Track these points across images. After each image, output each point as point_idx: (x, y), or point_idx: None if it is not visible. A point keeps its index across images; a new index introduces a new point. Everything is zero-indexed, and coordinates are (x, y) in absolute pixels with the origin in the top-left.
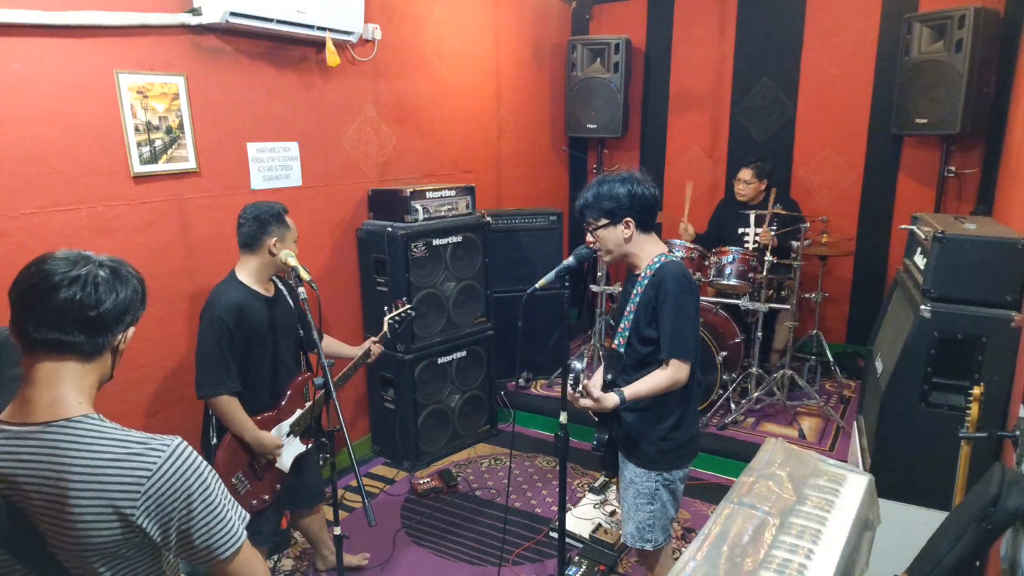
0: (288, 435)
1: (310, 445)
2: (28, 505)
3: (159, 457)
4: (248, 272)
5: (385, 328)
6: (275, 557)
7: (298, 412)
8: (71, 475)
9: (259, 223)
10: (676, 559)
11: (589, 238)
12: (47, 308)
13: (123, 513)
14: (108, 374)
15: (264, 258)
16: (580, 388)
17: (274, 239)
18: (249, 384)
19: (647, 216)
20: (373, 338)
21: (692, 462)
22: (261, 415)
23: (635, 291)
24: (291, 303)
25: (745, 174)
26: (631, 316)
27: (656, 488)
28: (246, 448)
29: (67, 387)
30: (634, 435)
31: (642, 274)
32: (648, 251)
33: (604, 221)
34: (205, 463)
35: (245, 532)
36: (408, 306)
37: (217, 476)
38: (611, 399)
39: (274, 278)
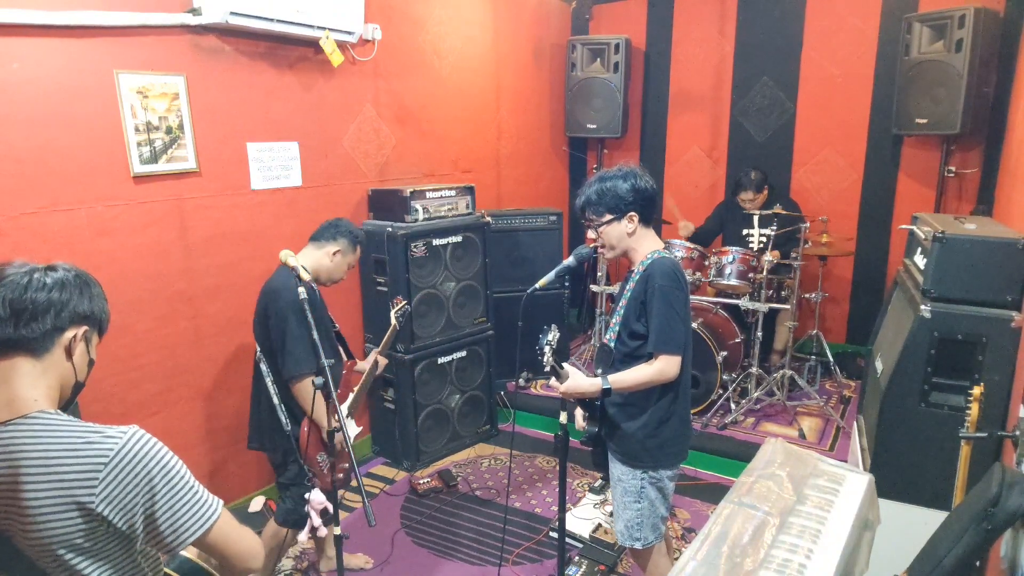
0: (348, 415)
1: (360, 428)
2: None
3: (116, 444)
4: (305, 265)
5: (394, 322)
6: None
7: (351, 395)
8: (26, 470)
9: (335, 229)
10: (676, 559)
11: (591, 235)
12: None
13: (81, 503)
14: (72, 377)
15: (322, 259)
16: (547, 360)
17: (337, 249)
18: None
19: (649, 209)
20: (376, 349)
21: (681, 462)
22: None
23: (628, 287)
24: (323, 301)
25: (747, 195)
26: (622, 311)
27: (642, 486)
28: (322, 430)
29: (21, 385)
30: (617, 430)
31: (635, 270)
32: (645, 247)
33: (609, 217)
34: (165, 448)
35: (219, 511)
36: (405, 303)
37: (180, 460)
38: (591, 382)
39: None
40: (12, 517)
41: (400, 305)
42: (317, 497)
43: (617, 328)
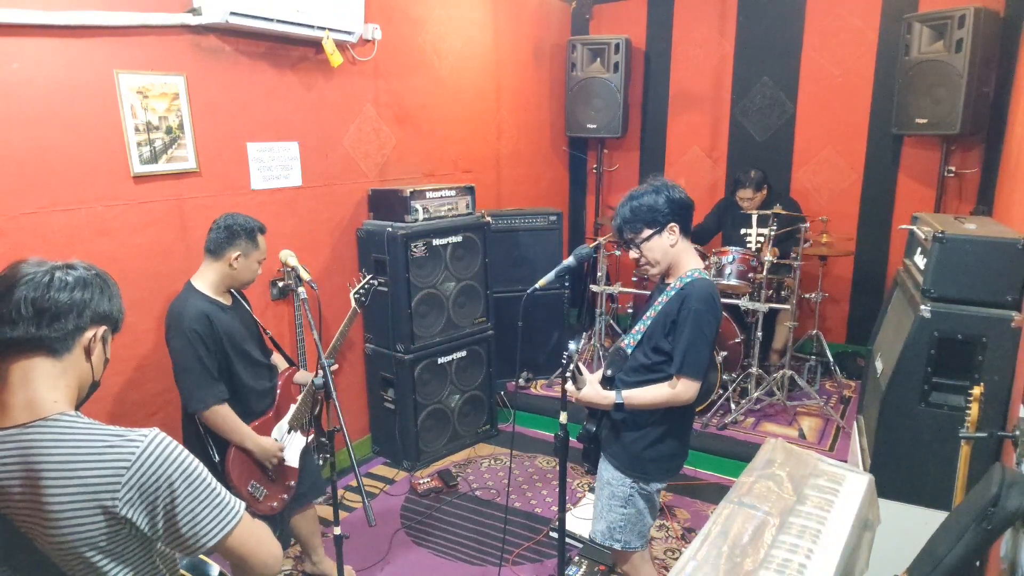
0: (289, 431)
1: (311, 437)
2: (11, 509)
3: (137, 447)
4: (207, 282)
5: (353, 304)
6: None
7: (293, 407)
8: (48, 473)
9: (228, 233)
10: (676, 559)
11: (633, 255)
12: (2, 308)
13: (105, 506)
14: (89, 377)
15: (225, 268)
16: (572, 368)
17: (237, 253)
18: (234, 391)
19: (687, 219)
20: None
21: (672, 477)
22: (259, 419)
23: (660, 299)
24: (248, 308)
25: (746, 193)
26: (648, 322)
27: (631, 494)
28: (251, 455)
29: (40, 386)
30: (616, 435)
31: (671, 284)
32: (686, 262)
33: (648, 232)
34: (186, 451)
35: (241, 513)
36: (368, 277)
37: (200, 463)
38: (607, 397)
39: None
40: (35, 520)
41: (362, 281)
42: None
43: (639, 336)
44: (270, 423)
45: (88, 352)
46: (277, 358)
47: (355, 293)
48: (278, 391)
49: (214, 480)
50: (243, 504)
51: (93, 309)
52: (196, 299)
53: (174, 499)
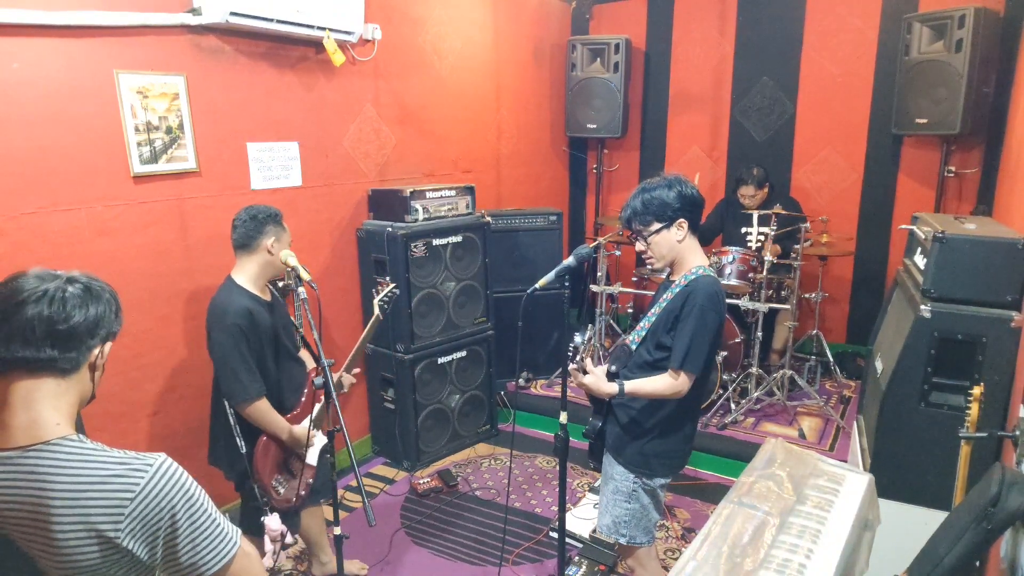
0: (312, 429)
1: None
2: (12, 531)
3: (142, 477)
4: (248, 276)
5: (377, 311)
6: (275, 557)
7: (317, 406)
8: (52, 501)
9: (256, 222)
10: (676, 559)
11: (639, 247)
12: (14, 325)
13: (106, 536)
14: (90, 391)
15: (263, 258)
16: (579, 359)
17: (271, 239)
18: (269, 387)
19: (697, 216)
20: (344, 373)
21: (676, 473)
22: (288, 415)
23: (665, 296)
24: (283, 304)
25: (748, 190)
26: (653, 318)
27: (634, 489)
28: (279, 448)
29: (44, 407)
30: (622, 432)
31: (676, 281)
32: (691, 260)
33: (657, 225)
34: (190, 479)
35: (238, 543)
36: (392, 285)
37: (203, 491)
38: (610, 386)
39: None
40: (37, 544)
41: (386, 289)
42: (273, 524)
43: (644, 333)
44: (297, 420)
45: (93, 369)
46: (304, 354)
47: (379, 300)
48: (306, 389)
49: (213, 508)
50: (239, 532)
51: (107, 328)
52: (239, 295)
53: (175, 529)
